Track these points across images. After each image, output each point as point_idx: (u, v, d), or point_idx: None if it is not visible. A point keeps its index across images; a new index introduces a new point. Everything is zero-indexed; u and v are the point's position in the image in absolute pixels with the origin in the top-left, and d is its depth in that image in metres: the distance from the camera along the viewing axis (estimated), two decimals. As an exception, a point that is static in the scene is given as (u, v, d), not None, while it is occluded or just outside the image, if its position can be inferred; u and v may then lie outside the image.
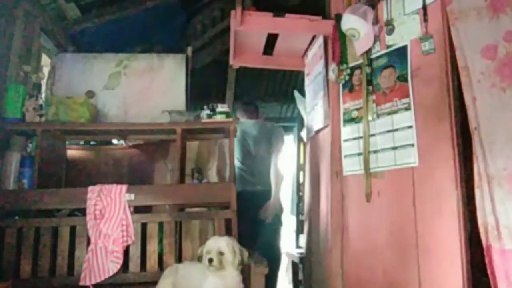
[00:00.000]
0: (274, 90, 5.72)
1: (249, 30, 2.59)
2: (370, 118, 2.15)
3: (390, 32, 2.11)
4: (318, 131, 2.75)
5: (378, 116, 2.11)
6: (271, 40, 2.86)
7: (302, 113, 3.33)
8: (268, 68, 3.66)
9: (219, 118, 2.59)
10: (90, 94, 2.78)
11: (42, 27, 2.83)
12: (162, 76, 2.95)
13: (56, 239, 2.16)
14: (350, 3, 2.32)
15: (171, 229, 2.25)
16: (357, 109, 2.23)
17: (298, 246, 4.35)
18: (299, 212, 4.64)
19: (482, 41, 1.67)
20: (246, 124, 3.41)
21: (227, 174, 3.00)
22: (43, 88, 2.81)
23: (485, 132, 1.62)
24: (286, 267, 4.36)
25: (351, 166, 2.23)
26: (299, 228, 4.48)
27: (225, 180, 2.97)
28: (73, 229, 2.19)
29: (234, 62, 3.09)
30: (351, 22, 2.17)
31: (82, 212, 2.22)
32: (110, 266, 2.11)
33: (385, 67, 2.11)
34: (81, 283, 2.07)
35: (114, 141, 3.33)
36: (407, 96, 1.97)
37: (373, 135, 2.13)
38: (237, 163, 3.28)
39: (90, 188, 2.23)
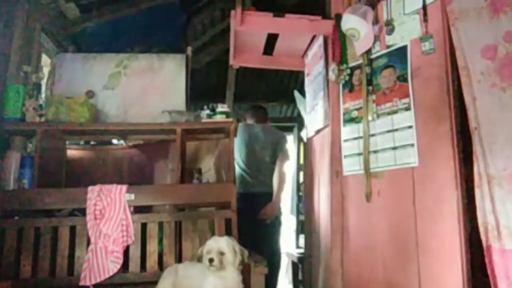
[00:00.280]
0: (274, 90, 5.72)
1: (249, 30, 2.59)
2: (370, 118, 2.15)
3: (390, 32, 2.11)
4: (318, 131, 2.75)
5: (378, 116, 2.11)
6: (271, 40, 2.86)
7: (302, 113, 3.33)
8: (268, 68, 3.66)
9: (219, 118, 2.60)
10: (90, 94, 2.78)
11: (42, 27, 2.83)
12: (162, 76, 2.95)
13: (56, 239, 2.16)
14: (350, 3, 2.32)
15: (171, 229, 2.25)
16: (357, 109, 2.23)
17: (298, 246, 4.36)
18: (299, 212, 4.64)
19: (482, 41, 1.67)
20: (254, 127, 3.44)
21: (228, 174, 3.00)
22: (43, 88, 2.81)
23: (485, 132, 1.62)
24: (286, 267, 4.36)
25: (351, 166, 2.23)
26: (299, 228, 4.49)
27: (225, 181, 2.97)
28: (73, 229, 2.19)
29: (234, 62, 3.09)
30: (351, 22, 2.17)
31: (82, 212, 2.22)
32: (110, 266, 2.12)
33: (385, 67, 2.11)
34: (81, 283, 2.07)
35: (114, 141, 3.33)
36: (407, 96, 1.97)
37: (373, 135, 2.13)
38: (240, 164, 3.30)
39: (90, 188, 2.23)
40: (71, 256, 2.15)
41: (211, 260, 1.81)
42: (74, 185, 2.50)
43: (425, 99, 1.90)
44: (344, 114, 2.32)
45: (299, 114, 4.14)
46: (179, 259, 2.21)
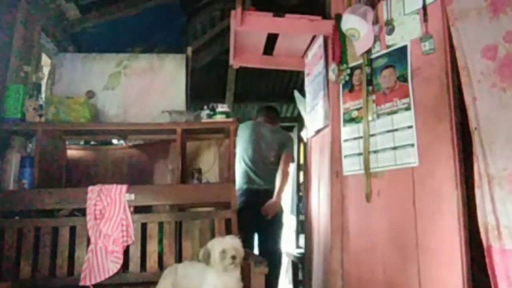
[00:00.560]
0: (274, 90, 5.72)
1: (249, 30, 2.59)
2: (370, 118, 2.15)
3: (390, 32, 2.11)
4: (318, 131, 2.75)
5: (378, 116, 2.11)
6: (271, 40, 2.87)
7: (302, 113, 3.34)
8: (268, 68, 3.66)
9: (219, 118, 2.59)
10: (90, 94, 2.78)
11: (42, 27, 2.83)
12: (162, 76, 2.95)
13: (56, 239, 2.16)
14: (350, 3, 2.32)
15: (171, 229, 2.25)
16: (357, 109, 2.23)
17: (298, 246, 4.36)
18: (299, 212, 4.64)
19: (482, 41, 1.67)
20: (262, 127, 3.48)
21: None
22: (43, 88, 2.81)
23: (485, 132, 1.62)
24: (286, 267, 4.36)
25: (351, 166, 2.23)
26: (299, 228, 4.49)
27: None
28: (73, 229, 2.18)
29: (234, 62, 3.09)
30: (351, 22, 2.17)
31: (82, 212, 2.22)
32: (110, 266, 2.11)
33: (385, 67, 2.11)
34: (81, 283, 2.07)
35: (114, 141, 3.33)
36: (407, 96, 1.97)
37: (373, 135, 2.13)
38: (246, 161, 3.34)
39: (90, 188, 2.23)
40: (71, 256, 2.15)
41: (234, 257, 1.80)
42: (74, 185, 2.50)
43: (425, 99, 1.90)
44: (344, 114, 2.32)
45: (299, 114, 4.13)
46: (179, 259, 2.21)
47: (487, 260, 1.56)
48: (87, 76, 2.88)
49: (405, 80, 1.99)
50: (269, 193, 3.27)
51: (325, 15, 2.62)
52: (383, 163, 2.06)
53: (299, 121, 4.99)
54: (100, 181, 2.33)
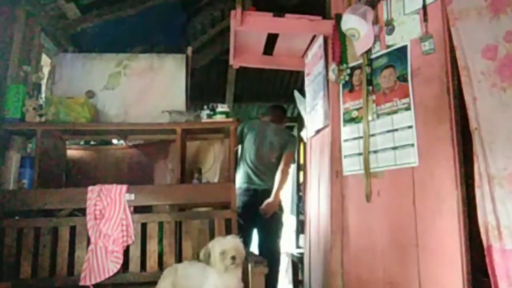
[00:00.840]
0: (274, 90, 5.72)
1: (249, 30, 2.59)
2: (370, 118, 2.15)
3: (390, 32, 2.11)
4: (318, 131, 2.75)
5: (378, 116, 2.11)
6: (271, 40, 2.86)
7: (302, 113, 3.34)
8: (268, 68, 3.66)
9: (219, 118, 2.59)
10: (90, 94, 2.78)
11: (42, 27, 2.83)
12: (162, 76, 2.95)
13: (56, 239, 2.16)
14: (350, 3, 2.32)
15: (171, 229, 2.25)
16: (357, 109, 2.23)
17: (298, 246, 4.35)
18: (299, 212, 4.64)
19: (482, 41, 1.67)
20: (266, 127, 3.48)
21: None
22: (43, 88, 2.81)
23: (485, 132, 1.62)
24: (286, 267, 4.36)
25: (351, 166, 2.23)
26: (299, 228, 4.49)
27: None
28: (73, 229, 2.19)
29: (234, 62, 3.10)
30: (351, 22, 2.17)
31: (82, 212, 2.22)
32: (110, 266, 2.11)
33: (385, 67, 2.11)
34: (81, 283, 2.07)
35: (114, 141, 3.33)
36: (407, 96, 1.97)
37: (373, 135, 2.13)
38: (248, 161, 3.37)
39: (90, 188, 2.23)
40: (71, 256, 2.15)
41: (234, 258, 1.80)
42: (74, 185, 2.50)
43: (425, 99, 1.90)
44: (344, 114, 2.32)
45: (299, 114, 4.14)
46: (179, 259, 2.21)
47: (487, 260, 1.56)
48: (87, 76, 2.87)
49: (405, 80, 1.99)
50: (268, 193, 3.27)
51: (325, 15, 2.62)
52: (383, 163, 2.06)
53: (299, 121, 4.99)
54: (100, 181, 2.33)
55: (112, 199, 2.21)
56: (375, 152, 2.10)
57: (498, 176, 1.57)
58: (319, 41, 2.67)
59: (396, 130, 2.01)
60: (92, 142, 3.30)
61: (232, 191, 2.37)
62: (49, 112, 2.47)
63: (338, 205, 2.28)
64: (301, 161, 4.80)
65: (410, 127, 1.94)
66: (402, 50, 2.03)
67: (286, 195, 4.55)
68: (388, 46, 2.11)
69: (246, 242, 3.06)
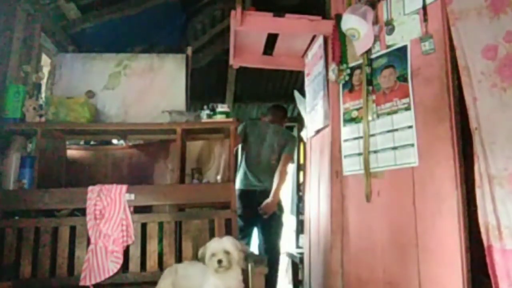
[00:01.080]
0: (274, 90, 5.72)
1: (249, 30, 2.59)
2: (370, 118, 2.15)
3: (390, 32, 2.11)
4: (318, 131, 2.75)
5: (378, 116, 2.11)
6: (271, 40, 2.86)
7: (302, 113, 3.34)
8: (268, 68, 3.66)
9: (219, 118, 2.59)
10: (90, 94, 2.78)
11: (42, 27, 2.83)
12: (162, 76, 2.95)
13: (56, 239, 2.16)
14: (350, 3, 2.32)
15: (171, 229, 2.25)
16: (357, 109, 2.23)
17: (298, 246, 4.35)
18: (299, 212, 4.64)
19: (482, 41, 1.67)
20: (266, 129, 3.47)
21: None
22: (43, 88, 2.81)
23: (485, 132, 1.62)
24: (286, 267, 4.36)
25: (351, 166, 2.23)
26: (299, 228, 4.48)
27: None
28: (73, 229, 2.19)
29: (234, 62, 3.09)
30: (351, 22, 2.17)
31: (82, 212, 2.22)
32: (110, 266, 2.11)
33: (385, 67, 2.11)
34: (81, 283, 2.07)
35: (114, 141, 3.33)
36: (407, 96, 1.97)
37: (373, 135, 2.13)
38: (247, 163, 3.37)
39: (90, 188, 2.23)
40: (71, 256, 2.15)
41: (220, 261, 1.79)
42: (74, 185, 2.50)
43: (425, 99, 1.90)
44: (344, 114, 2.32)
45: (299, 114, 4.13)
46: (179, 259, 2.21)
47: (487, 260, 1.56)
48: (87, 76, 2.87)
49: (405, 80, 1.99)
50: (267, 193, 3.27)
51: (325, 15, 2.62)
52: (383, 163, 2.06)
53: (299, 121, 4.98)
54: (100, 181, 2.33)
55: (112, 199, 2.21)
56: (375, 152, 2.10)
57: (498, 176, 1.57)
58: (319, 41, 2.67)
59: (396, 130, 2.01)
60: (92, 142, 3.30)
61: (232, 191, 2.37)
62: (49, 112, 2.47)
63: (338, 205, 2.28)
64: (301, 161, 4.79)
65: (410, 127, 1.94)
66: (402, 50, 2.03)
67: (286, 195, 4.55)
68: (388, 46, 2.11)
69: (246, 243, 3.07)
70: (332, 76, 2.37)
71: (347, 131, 2.29)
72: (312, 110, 2.87)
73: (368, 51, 2.20)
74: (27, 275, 2.08)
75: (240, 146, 3.50)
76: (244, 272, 1.94)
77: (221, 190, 2.43)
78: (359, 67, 2.25)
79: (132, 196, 2.23)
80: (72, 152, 3.09)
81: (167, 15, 3.79)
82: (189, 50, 3.07)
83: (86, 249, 2.15)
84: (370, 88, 2.17)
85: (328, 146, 2.43)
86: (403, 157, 1.95)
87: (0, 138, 2.36)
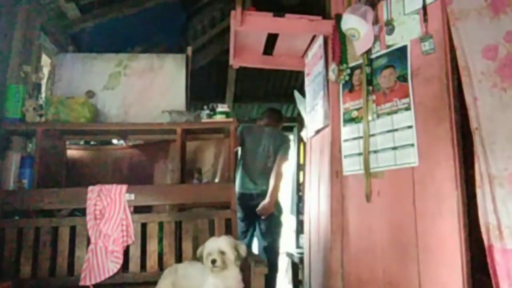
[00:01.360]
0: (274, 90, 5.72)
1: (249, 30, 2.59)
2: (370, 118, 2.15)
3: (390, 32, 2.11)
4: (318, 131, 2.75)
5: (378, 116, 2.11)
6: (271, 40, 2.86)
7: (302, 113, 3.34)
8: (268, 68, 3.66)
9: (219, 118, 2.60)
10: (90, 94, 2.78)
11: (42, 27, 2.83)
12: (162, 76, 2.95)
13: (56, 239, 2.16)
14: (350, 3, 2.32)
15: (171, 229, 2.25)
16: (357, 109, 2.23)
17: (298, 246, 4.35)
18: (299, 212, 4.64)
19: (482, 41, 1.67)
20: (262, 132, 3.46)
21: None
22: (43, 88, 2.81)
23: (486, 132, 1.62)
24: (286, 267, 4.36)
25: (351, 166, 2.23)
26: (299, 228, 4.48)
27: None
28: (73, 229, 2.19)
29: (234, 62, 3.09)
30: (351, 22, 2.17)
31: (82, 212, 2.22)
32: (110, 266, 2.11)
33: (385, 67, 2.11)
34: (81, 283, 2.07)
35: (114, 141, 3.33)
36: (407, 96, 1.97)
37: (373, 135, 2.13)
38: (244, 166, 3.35)
39: (90, 188, 2.23)
40: (71, 256, 2.15)
41: (213, 261, 1.80)
42: (74, 185, 2.50)
43: (425, 99, 1.90)
44: (344, 114, 2.32)
45: (299, 114, 4.14)
46: (179, 259, 2.21)
47: (488, 260, 1.56)
48: (87, 76, 2.88)
49: (405, 80, 1.99)
50: (264, 195, 3.26)
51: (325, 15, 2.62)
52: (383, 163, 2.06)
53: (299, 121, 4.98)
54: (100, 181, 2.33)
55: (112, 199, 2.21)
56: (375, 152, 2.10)
57: (498, 176, 1.57)
58: (319, 41, 2.67)
59: (396, 130, 2.00)
60: (92, 142, 3.31)
61: (232, 191, 2.37)
62: (49, 112, 2.47)
63: (338, 205, 2.28)
64: (301, 161, 4.79)
65: (410, 127, 1.94)
66: (402, 50, 2.03)
67: (286, 195, 4.55)
68: (388, 46, 2.11)
69: (247, 243, 3.07)
70: (332, 76, 2.37)
71: (347, 131, 2.29)
72: (312, 110, 2.87)
73: (368, 51, 2.20)
74: (27, 275, 2.08)
75: (239, 149, 3.49)
76: (245, 272, 1.93)
77: (221, 190, 2.43)
78: (359, 67, 2.25)
79: (132, 196, 2.23)
80: (72, 152, 3.09)
81: (167, 15, 3.79)
82: (189, 50, 3.08)
83: (86, 249, 2.15)
84: (370, 88, 2.17)
85: (328, 146, 2.43)
86: (403, 157, 1.95)
87: (0, 138, 2.36)
